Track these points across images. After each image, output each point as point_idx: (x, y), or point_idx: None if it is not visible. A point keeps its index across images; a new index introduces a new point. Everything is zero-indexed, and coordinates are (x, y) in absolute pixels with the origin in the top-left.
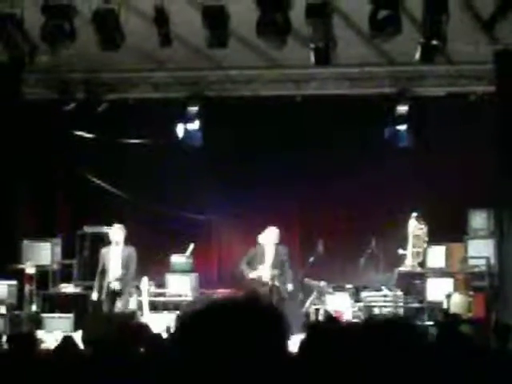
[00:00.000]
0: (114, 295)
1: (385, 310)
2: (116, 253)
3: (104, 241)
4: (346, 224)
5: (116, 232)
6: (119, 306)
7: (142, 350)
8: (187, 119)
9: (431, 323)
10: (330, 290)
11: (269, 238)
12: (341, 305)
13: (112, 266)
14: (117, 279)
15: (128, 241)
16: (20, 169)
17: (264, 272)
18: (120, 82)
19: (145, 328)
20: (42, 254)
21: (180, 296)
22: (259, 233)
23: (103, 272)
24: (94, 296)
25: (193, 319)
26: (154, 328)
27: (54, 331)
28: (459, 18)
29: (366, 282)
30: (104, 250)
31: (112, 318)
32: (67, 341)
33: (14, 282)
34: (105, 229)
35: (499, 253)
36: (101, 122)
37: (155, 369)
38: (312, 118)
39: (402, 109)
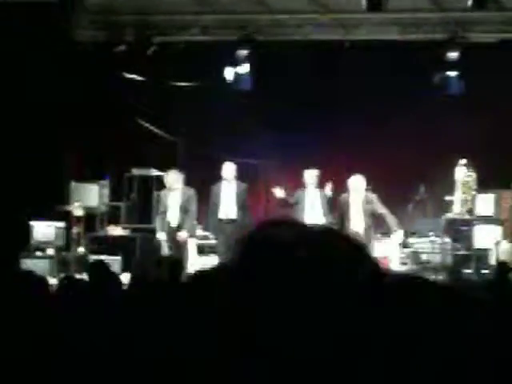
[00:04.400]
0: (172, 239)
1: (432, 257)
2: (175, 198)
3: (152, 183)
4: (395, 170)
5: (172, 177)
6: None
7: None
8: (236, 63)
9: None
10: (378, 236)
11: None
12: (388, 251)
13: (171, 211)
14: (178, 224)
15: (187, 183)
16: (69, 111)
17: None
18: (169, 25)
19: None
20: (89, 195)
21: None
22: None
23: (164, 213)
24: (161, 235)
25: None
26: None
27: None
28: None
29: (413, 228)
30: (163, 193)
31: (162, 260)
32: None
33: (62, 224)
34: (153, 172)
35: None
36: (150, 64)
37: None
38: (362, 64)
39: (453, 55)
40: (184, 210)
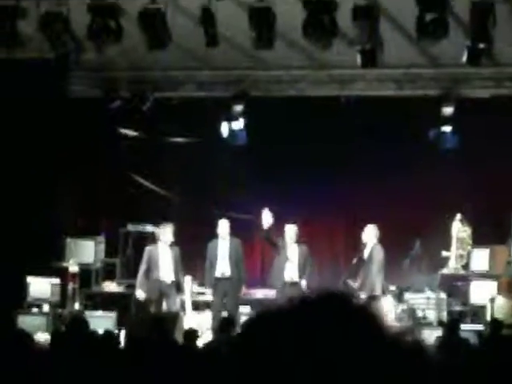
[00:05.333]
0: (162, 296)
1: (428, 313)
2: (167, 253)
3: (147, 239)
4: (390, 225)
5: (168, 231)
6: (168, 306)
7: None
8: (232, 118)
9: (473, 327)
10: None
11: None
12: (384, 306)
13: (164, 267)
14: (172, 281)
15: (182, 238)
16: (65, 166)
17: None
18: (165, 81)
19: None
20: (85, 252)
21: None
22: (303, 233)
23: (149, 270)
24: (140, 294)
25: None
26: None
27: (97, 329)
28: (506, 19)
29: (409, 284)
30: (150, 248)
31: (157, 318)
32: (109, 335)
33: (57, 281)
34: (148, 227)
35: None
36: (146, 120)
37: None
38: (357, 119)
39: (447, 110)
40: (176, 268)
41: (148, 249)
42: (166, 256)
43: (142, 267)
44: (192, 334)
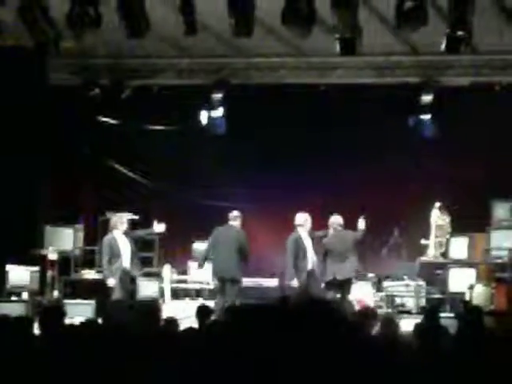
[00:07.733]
0: (132, 282)
1: (407, 300)
2: (125, 242)
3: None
4: (369, 213)
5: (124, 220)
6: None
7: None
8: (211, 106)
9: (453, 315)
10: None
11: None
12: (363, 294)
13: (125, 255)
14: (130, 266)
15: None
16: (44, 155)
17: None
18: (144, 69)
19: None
20: (64, 239)
21: (201, 283)
22: (283, 221)
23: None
24: (112, 282)
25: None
26: (175, 315)
27: (76, 317)
28: (485, 8)
29: (388, 272)
30: (109, 238)
31: (134, 305)
32: (91, 324)
33: (36, 268)
34: (127, 215)
35: None
36: (125, 108)
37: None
38: (336, 107)
39: (427, 98)
40: (134, 254)
41: (107, 239)
42: (126, 245)
43: (106, 257)
44: (172, 323)
